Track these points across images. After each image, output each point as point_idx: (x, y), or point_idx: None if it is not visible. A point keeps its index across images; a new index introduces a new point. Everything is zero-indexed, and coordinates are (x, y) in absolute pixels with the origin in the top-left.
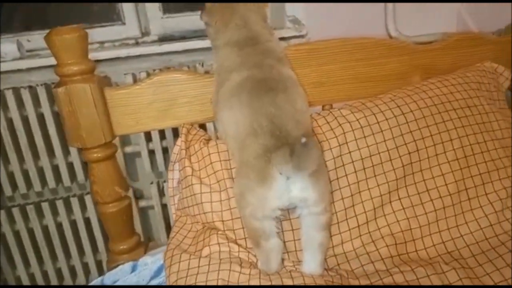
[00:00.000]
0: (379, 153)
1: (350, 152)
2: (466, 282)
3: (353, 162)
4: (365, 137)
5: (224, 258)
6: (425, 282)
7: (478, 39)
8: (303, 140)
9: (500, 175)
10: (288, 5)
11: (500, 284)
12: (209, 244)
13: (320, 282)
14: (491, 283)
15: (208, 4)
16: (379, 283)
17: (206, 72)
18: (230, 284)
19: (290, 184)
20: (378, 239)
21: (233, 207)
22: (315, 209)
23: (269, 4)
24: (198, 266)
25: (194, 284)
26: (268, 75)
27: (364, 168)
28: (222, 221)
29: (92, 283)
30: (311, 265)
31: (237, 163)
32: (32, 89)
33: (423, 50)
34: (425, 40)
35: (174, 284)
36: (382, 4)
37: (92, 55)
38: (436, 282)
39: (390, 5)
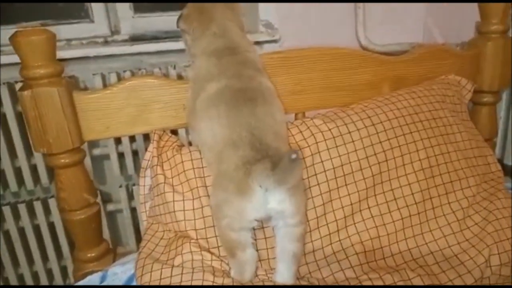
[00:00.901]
0: (350, 162)
1: (322, 162)
2: None
3: (325, 171)
4: (336, 146)
5: (197, 267)
6: None
7: (444, 51)
8: (293, 156)
9: (462, 185)
10: (261, 10)
11: None
12: (181, 253)
13: None
14: None
15: (185, 11)
16: None
17: (179, 77)
18: None
19: (268, 196)
20: (348, 247)
21: (206, 215)
22: (291, 221)
23: (243, 9)
24: (171, 276)
25: None
26: (247, 85)
27: (335, 177)
28: (195, 229)
29: None
30: (284, 275)
31: (213, 174)
32: None
33: (394, 61)
34: (393, 49)
35: None
36: (352, 12)
37: (59, 54)
38: None
39: (360, 13)
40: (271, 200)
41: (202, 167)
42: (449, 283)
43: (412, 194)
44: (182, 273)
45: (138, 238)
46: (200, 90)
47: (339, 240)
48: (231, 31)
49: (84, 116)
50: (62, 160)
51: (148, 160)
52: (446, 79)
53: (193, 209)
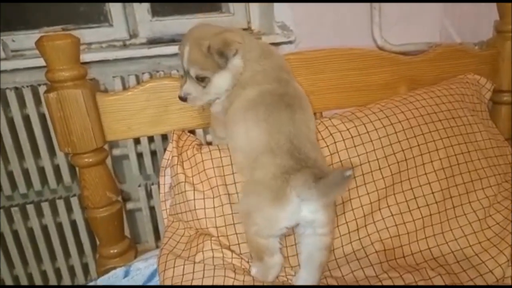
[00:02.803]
0: (369, 161)
1: (341, 161)
2: None
3: None
4: (355, 146)
5: (218, 264)
6: None
7: (462, 51)
8: (348, 173)
9: (483, 185)
10: (276, 11)
11: None
12: (202, 250)
13: None
14: None
15: (228, 40)
16: None
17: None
18: None
19: (303, 206)
20: (368, 245)
21: (227, 213)
22: (321, 230)
23: (258, 10)
24: (193, 272)
25: None
26: (286, 91)
27: (354, 177)
28: (216, 227)
29: None
30: (307, 282)
31: (245, 180)
32: (17, 91)
33: (410, 61)
34: (409, 49)
35: None
36: (368, 12)
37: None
38: None
39: (376, 13)
40: (305, 210)
41: (222, 166)
42: (470, 283)
43: (433, 193)
44: (204, 270)
45: (157, 236)
46: (235, 97)
47: (359, 239)
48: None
49: (106, 117)
50: (86, 160)
51: (168, 159)
52: (465, 78)
53: (214, 207)
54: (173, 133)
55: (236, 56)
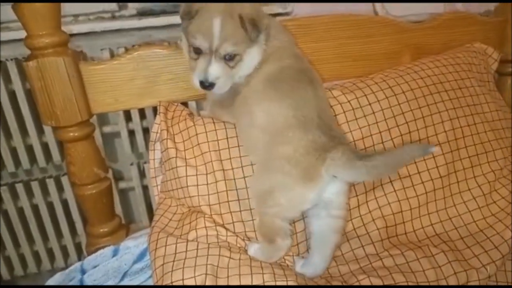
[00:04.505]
0: (371, 135)
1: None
2: (455, 265)
3: None
4: (356, 119)
5: (212, 242)
6: (415, 265)
7: (469, 18)
8: (433, 149)
9: (489, 158)
10: None
11: (487, 264)
12: (195, 228)
13: None
14: (480, 266)
15: (253, 16)
16: (369, 267)
17: None
18: (220, 268)
19: (328, 186)
20: (369, 222)
21: (220, 190)
22: (338, 213)
23: None
24: (186, 251)
25: (182, 269)
26: (304, 66)
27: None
28: (209, 205)
29: (71, 268)
30: (319, 266)
31: (264, 156)
32: (2, 64)
33: (415, 28)
34: (412, 20)
35: (160, 268)
36: None
37: (66, 28)
38: (426, 266)
39: None
40: (328, 191)
41: (217, 140)
42: (475, 259)
43: (437, 167)
44: (197, 248)
45: (151, 216)
46: (251, 75)
47: (360, 216)
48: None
49: (91, 88)
50: (71, 134)
51: (157, 133)
52: (472, 47)
53: (207, 184)
54: (160, 105)
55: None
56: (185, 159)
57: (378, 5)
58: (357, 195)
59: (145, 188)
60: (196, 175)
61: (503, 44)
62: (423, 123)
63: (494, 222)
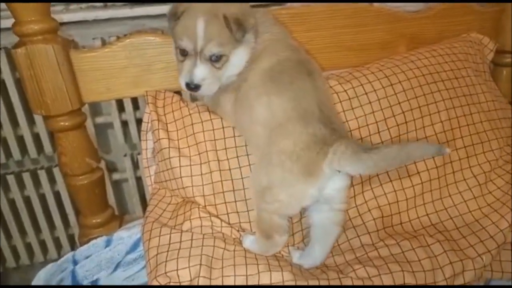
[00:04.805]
0: (367, 125)
1: None
2: (451, 255)
3: None
4: (353, 108)
5: (207, 233)
6: (410, 255)
7: (465, 8)
8: (447, 150)
9: (484, 148)
10: None
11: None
12: (190, 218)
13: None
14: (475, 255)
15: (238, 16)
16: (364, 257)
17: None
18: (214, 259)
19: (329, 182)
20: (365, 213)
21: (215, 181)
22: (340, 206)
23: None
24: (180, 241)
25: (176, 259)
26: (301, 57)
27: None
28: (203, 195)
29: (63, 258)
30: (318, 258)
31: (263, 151)
32: None
33: (410, 18)
34: (409, 10)
35: (154, 258)
36: None
37: (56, 17)
38: (422, 255)
39: None
40: (330, 186)
41: (213, 130)
42: (470, 249)
43: (433, 157)
44: (192, 239)
45: (145, 207)
46: (248, 73)
47: (356, 206)
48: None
49: (82, 76)
50: (62, 123)
51: (148, 122)
52: (468, 37)
53: (201, 174)
54: (147, 95)
55: (250, 31)
56: (179, 149)
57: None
58: (353, 185)
59: (138, 180)
60: (190, 165)
61: (499, 34)
62: (419, 113)
63: (490, 212)
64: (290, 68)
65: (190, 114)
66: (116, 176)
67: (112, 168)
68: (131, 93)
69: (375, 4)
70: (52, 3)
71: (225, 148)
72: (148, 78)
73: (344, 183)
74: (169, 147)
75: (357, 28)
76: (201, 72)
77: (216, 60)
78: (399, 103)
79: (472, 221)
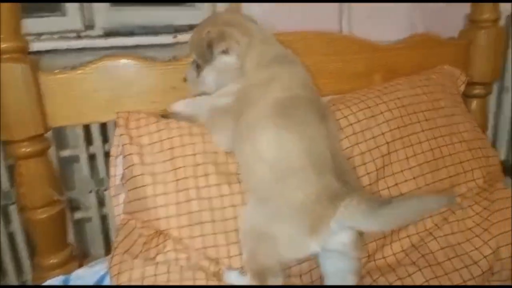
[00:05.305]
0: (353, 156)
1: None
2: (433, 283)
3: None
4: None
5: (184, 266)
6: None
7: (437, 40)
8: (458, 200)
9: (467, 178)
10: (245, 7)
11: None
12: (164, 251)
13: None
14: (460, 281)
15: (213, 31)
16: None
17: None
18: None
19: (335, 236)
20: None
21: (194, 210)
22: (354, 254)
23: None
24: (155, 275)
25: None
26: (315, 97)
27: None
28: (178, 227)
29: None
30: None
31: (264, 194)
32: None
33: (388, 48)
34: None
35: None
36: (337, 10)
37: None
38: None
39: (345, 10)
40: (336, 241)
41: (194, 154)
42: (456, 273)
43: (418, 188)
44: (168, 271)
45: (110, 249)
46: (257, 98)
47: None
48: (270, 36)
49: (50, 99)
50: (23, 149)
51: (118, 145)
52: (442, 69)
53: (177, 203)
54: (118, 117)
55: (230, 54)
56: (153, 175)
57: (346, 32)
58: None
59: (104, 218)
60: (165, 194)
61: (468, 66)
62: (402, 144)
63: (471, 236)
64: (303, 108)
65: (169, 138)
66: (79, 214)
67: (75, 206)
68: (102, 118)
69: (353, 35)
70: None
71: (206, 175)
72: (121, 103)
73: (353, 237)
74: (142, 174)
75: (336, 57)
76: (188, 70)
77: (197, 67)
78: (383, 133)
79: (455, 244)
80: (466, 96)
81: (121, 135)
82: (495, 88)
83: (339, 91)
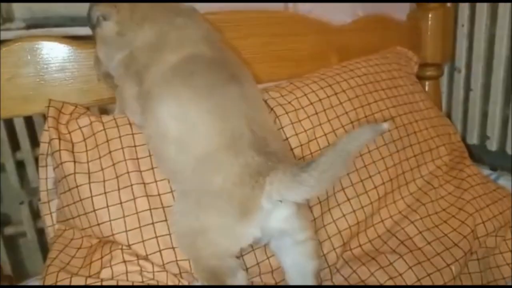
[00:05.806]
0: (316, 138)
1: (287, 139)
2: (417, 270)
3: (292, 149)
4: (299, 121)
5: (136, 281)
6: (371, 282)
7: (389, 21)
8: (385, 126)
9: (433, 156)
10: None
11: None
12: (110, 264)
13: None
14: (443, 265)
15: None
16: None
17: None
18: None
19: (272, 214)
20: (325, 241)
21: (141, 210)
22: (303, 236)
23: None
24: None
25: None
26: (223, 55)
27: (303, 156)
28: (126, 231)
29: None
30: None
31: (189, 184)
32: None
33: (338, 30)
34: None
35: None
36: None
37: None
38: (383, 278)
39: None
40: (274, 219)
41: (135, 146)
42: (437, 258)
43: (387, 169)
44: None
45: None
46: (151, 62)
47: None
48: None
49: None
50: None
51: (47, 143)
52: (396, 49)
53: (121, 203)
54: (49, 105)
55: (109, 19)
56: (89, 173)
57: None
58: (311, 207)
59: (40, 232)
60: (105, 193)
61: (419, 48)
62: (366, 123)
63: (448, 217)
64: (205, 69)
65: (104, 129)
66: (9, 230)
67: (5, 221)
68: (23, 111)
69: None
70: None
71: (152, 168)
72: (47, 92)
73: (291, 210)
74: (75, 173)
75: (288, 37)
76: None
77: None
78: (346, 112)
79: (432, 226)
80: (419, 78)
81: (49, 128)
82: (446, 69)
83: (288, 76)
